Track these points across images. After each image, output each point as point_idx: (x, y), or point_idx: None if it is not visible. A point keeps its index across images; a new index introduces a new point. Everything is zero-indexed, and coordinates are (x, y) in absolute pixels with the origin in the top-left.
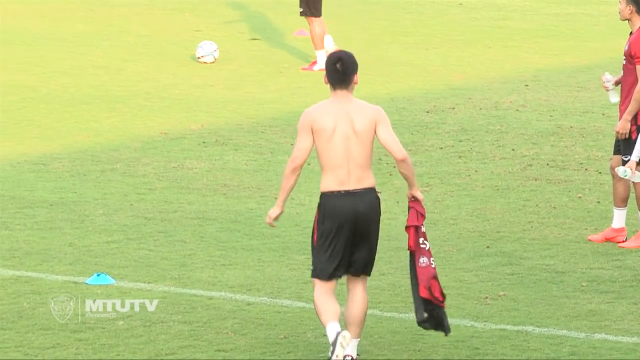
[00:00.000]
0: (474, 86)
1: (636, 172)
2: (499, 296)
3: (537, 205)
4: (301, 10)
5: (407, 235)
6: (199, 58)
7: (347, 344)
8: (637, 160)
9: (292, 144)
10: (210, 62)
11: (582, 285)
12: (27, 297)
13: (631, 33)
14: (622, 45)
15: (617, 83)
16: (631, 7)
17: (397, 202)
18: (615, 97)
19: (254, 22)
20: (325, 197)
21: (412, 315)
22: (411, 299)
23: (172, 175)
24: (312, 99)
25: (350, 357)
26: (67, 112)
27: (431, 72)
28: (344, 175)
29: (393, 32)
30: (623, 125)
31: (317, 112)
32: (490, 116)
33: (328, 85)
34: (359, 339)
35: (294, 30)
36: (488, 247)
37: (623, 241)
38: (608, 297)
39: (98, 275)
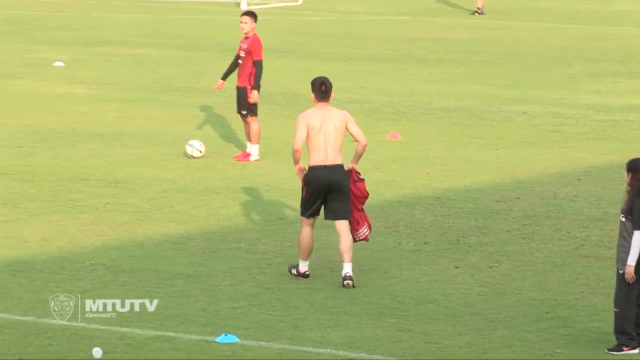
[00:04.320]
0: (536, 180)
1: None
2: (556, 353)
3: (587, 278)
4: (244, 112)
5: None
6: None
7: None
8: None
9: (385, 227)
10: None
11: None
12: (166, 353)
13: None
14: None
15: None
16: None
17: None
18: None
19: None
20: (312, 169)
21: None
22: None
23: (287, 252)
24: (403, 190)
25: (349, 274)
26: (200, 200)
27: (500, 168)
28: (325, 156)
29: (469, 135)
30: None
31: (310, 115)
32: (549, 204)
33: (313, 97)
34: (352, 262)
35: (386, 134)
36: (547, 312)
37: None
38: None
39: (226, 335)
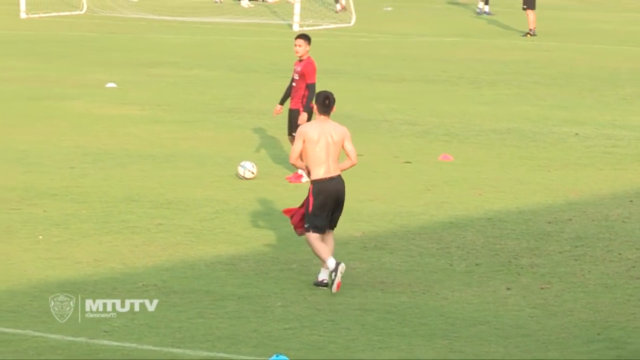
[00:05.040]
0: (588, 201)
1: None
2: None
3: (639, 299)
4: (295, 134)
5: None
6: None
7: (343, 271)
8: None
9: (437, 249)
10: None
11: None
12: None
13: None
14: None
15: None
16: None
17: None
18: None
19: (407, 149)
20: (318, 182)
21: None
22: None
23: None
24: (454, 211)
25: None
26: (252, 221)
27: (552, 189)
28: (327, 168)
29: (521, 156)
30: None
31: (308, 128)
32: (600, 226)
33: (315, 110)
34: (343, 264)
35: (438, 155)
36: (598, 334)
37: None
38: None
39: (277, 356)
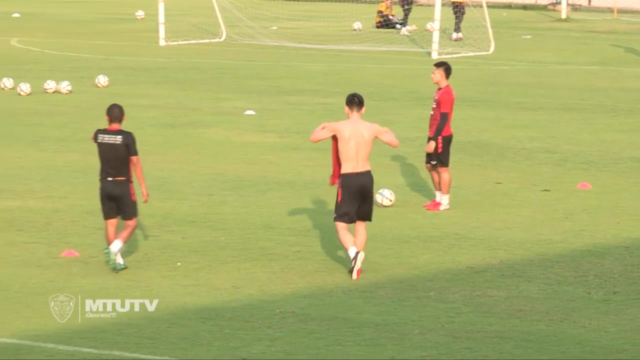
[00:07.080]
0: None
1: None
2: None
3: None
4: (434, 162)
5: None
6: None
7: (362, 260)
8: None
9: (575, 277)
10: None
11: None
12: None
13: None
14: None
15: None
16: None
17: None
18: None
19: (545, 177)
20: (346, 176)
21: None
22: None
23: (476, 301)
24: (593, 240)
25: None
26: (390, 249)
27: None
28: (356, 164)
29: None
30: None
31: (340, 125)
32: None
33: (346, 110)
34: (363, 252)
35: (576, 183)
36: None
37: None
38: None
39: None
